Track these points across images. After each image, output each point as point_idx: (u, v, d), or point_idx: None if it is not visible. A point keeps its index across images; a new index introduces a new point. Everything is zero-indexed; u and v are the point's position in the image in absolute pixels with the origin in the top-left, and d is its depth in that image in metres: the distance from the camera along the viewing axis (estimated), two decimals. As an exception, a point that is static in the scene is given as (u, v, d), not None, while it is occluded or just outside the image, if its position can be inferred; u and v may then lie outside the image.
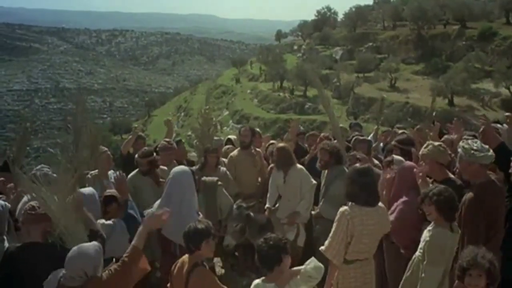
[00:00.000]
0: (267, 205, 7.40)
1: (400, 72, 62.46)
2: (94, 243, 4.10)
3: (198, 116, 9.18)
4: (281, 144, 7.83)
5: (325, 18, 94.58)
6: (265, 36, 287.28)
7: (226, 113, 71.36)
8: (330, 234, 4.76)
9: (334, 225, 4.77)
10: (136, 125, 9.25)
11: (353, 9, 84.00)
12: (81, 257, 3.89)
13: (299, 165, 7.50)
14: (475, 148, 4.97)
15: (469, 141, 5.12)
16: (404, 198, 5.71)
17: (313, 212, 7.33)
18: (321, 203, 7.12)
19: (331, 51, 78.06)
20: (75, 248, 3.98)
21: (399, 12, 73.49)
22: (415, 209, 5.23)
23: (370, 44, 73.02)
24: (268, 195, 7.55)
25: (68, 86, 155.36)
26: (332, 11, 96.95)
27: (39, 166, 6.54)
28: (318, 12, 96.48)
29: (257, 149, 8.62)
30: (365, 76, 64.31)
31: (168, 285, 4.66)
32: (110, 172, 7.65)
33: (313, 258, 4.39)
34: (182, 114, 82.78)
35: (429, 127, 7.81)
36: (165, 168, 7.30)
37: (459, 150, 5.12)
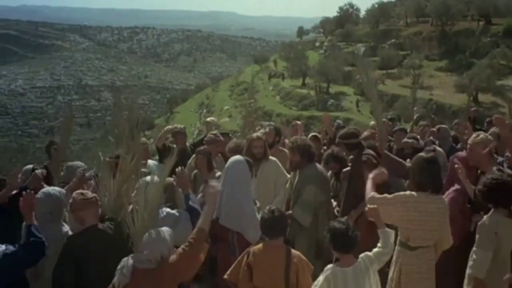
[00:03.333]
0: None
1: (424, 69, 61.96)
2: (167, 228, 4.29)
3: (242, 109, 9.18)
4: (257, 134, 7.26)
5: (347, 15, 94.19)
6: (286, 33, 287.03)
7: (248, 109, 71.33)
8: (389, 196, 4.81)
9: (397, 193, 4.84)
10: (175, 125, 9.21)
11: (376, 6, 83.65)
12: (160, 242, 4.11)
13: (271, 157, 6.98)
14: None
15: None
16: (455, 187, 5.77)
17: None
18: (294, 206, 6.36)
19: (353, 47, 77.71)
20: (152, 232, 4.17)
21: (422, 8, 72.88)
22: (466, 197, 5.29)
23: (393, 40, 72.53)
24: None
25: (90, 83, 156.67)
26: (355, 7, 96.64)
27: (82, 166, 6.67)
28: (341, 8, 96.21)
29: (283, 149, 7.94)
30: (388, 72, 63.94)
31: (228, 275, 4.64)
32: (151, 162, 7.87)
33: (385, 230, 4.52)
34: (204, 110, 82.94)
35: (464, 125, 7.80)
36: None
37: None
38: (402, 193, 4.82)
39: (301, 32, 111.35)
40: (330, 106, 60.20)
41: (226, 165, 5.77)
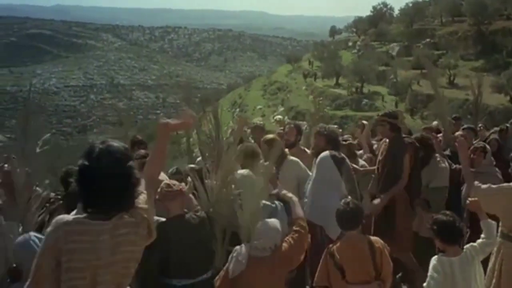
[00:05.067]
0: None
1: (459, 69, 61.24)
2: (275, 219, 4.49)
3: (310, 115, 9.03)
4: (270, 136, 6.69)
5: (381, 14, 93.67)
6: (316, 33, 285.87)
7: (281, 109, 71.35)
8: (494, 187, 4.87)
9: (502, 184, 4.93)
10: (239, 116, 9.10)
11: (410, 5, 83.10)
12: (274, 231, 4.32)
13: (293, 158, 6.51)
14: None
15: None
16: None
17: None
18: None
19: (387, 47, 77.21)
20: (266, 222, 4.37)
21: (457, 7, 72.10)
22: None
23: (428, 40, 71.86)
24: None
25: (123, 82, 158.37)
26: (388, 6, 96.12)
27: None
28: (374, 8, 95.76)
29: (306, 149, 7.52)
30: (423, 72, 63.31)
31: (316, 282, 4.67)
32: None
33: (488, 221, 4.61)
34: (237, 110, 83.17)
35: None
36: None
37: None
38: (506, 184, 4.88)
39: (333, 31, 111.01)
40: (364, 106, 59.95)
41: (316, 162, 5.87)
